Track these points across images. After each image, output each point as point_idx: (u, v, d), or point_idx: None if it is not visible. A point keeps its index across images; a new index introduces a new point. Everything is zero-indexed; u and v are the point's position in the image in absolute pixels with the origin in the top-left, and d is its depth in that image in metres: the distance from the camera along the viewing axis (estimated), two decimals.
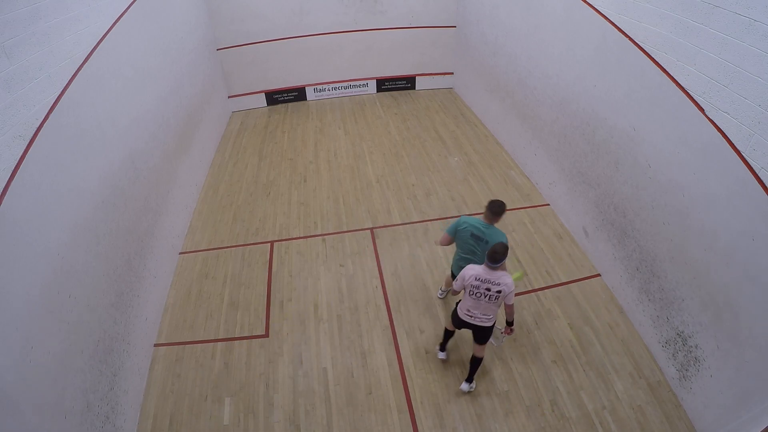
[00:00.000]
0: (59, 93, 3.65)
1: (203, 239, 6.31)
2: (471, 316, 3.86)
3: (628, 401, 4.15)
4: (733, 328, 3.50)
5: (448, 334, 4.42)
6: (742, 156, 3.33)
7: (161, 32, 6.18)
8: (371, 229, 6.35)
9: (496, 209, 3.98)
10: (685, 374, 4.07)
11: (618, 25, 4.64)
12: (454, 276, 4.41)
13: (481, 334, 3.98)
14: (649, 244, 4.51)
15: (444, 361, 4.53)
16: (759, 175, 3.20)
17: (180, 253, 6.06)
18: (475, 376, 4.23)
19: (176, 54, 6.68)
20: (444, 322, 4.94)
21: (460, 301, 4.00)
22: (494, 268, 3.59)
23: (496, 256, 3.52)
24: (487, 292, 3.65)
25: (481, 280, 3.63)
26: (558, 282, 5.38)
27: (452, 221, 4.36)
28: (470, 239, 4.08)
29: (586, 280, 5.40)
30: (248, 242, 6.20)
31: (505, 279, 3.62)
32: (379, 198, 6.97)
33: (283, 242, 6.18)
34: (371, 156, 8.08)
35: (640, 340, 4.69)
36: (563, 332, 4.79)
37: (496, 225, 4.06)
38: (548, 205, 6.65)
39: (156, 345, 4.85)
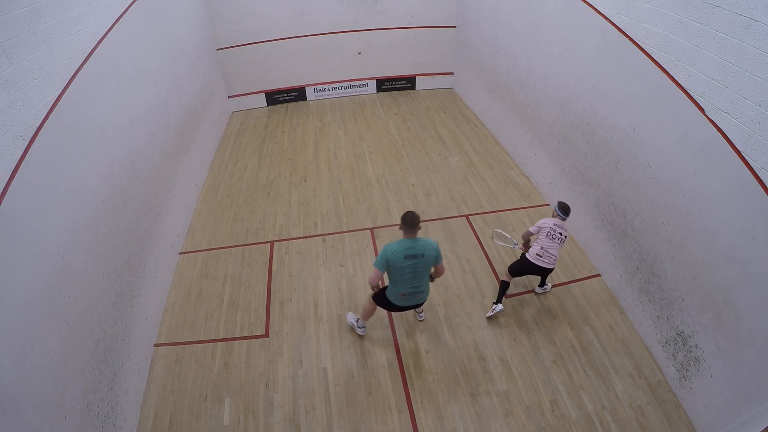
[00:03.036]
0: (59, 93, 3.64)
1: (203, 239, 6.31)
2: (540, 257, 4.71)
3: (628, 401, 4.15)
4: (733, 328, 3.50)
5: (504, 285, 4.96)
6: (742, 156, 3.33)
7: (161, 32, 6.18)
8: (371, 229, 6.34)
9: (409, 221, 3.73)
10: (685, 374, 4.07)
11: (618, 25, 4.64)
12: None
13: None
14: (649, 244, 4.51)
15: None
16: (759, 175, 3.20)
17: (180, 253, 6.06)
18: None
19: (176, 54, 6.68)
20: (445, 323, 4.95)
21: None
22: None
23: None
24: (560, 236, 4.67)
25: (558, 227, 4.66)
26: (558, 282, 5.38)
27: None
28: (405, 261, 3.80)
29: (586, 280, 5.40)
30: (248, 242, 6.20)
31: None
32: (379, 198, 6.97)
33: (283, 242, 6.18)
34: (371, 156, 8.08)
35: (640, 340, 4.69)
36: (563, 332, 4.79)
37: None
38: (548, 205, 6.65)
39: (156, 345, 4.85)
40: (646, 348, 4.62)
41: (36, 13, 3.45)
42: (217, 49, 9.10)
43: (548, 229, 4.63)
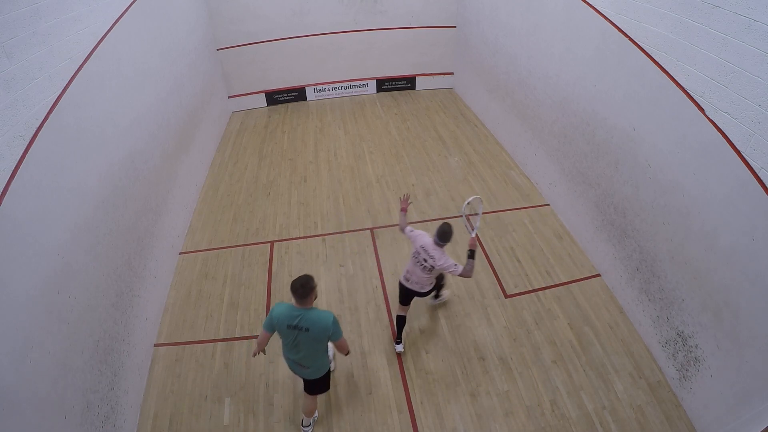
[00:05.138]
0: (59, 93, 3.65)
1: (203, 239, 6.31)
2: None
3: (628, 401, 4.15)
4: (733, 328, 3.50)
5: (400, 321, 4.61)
6: (742, 156, 3.33)
7: (161, 32, 6.18)
8: (371, 229, 6.34)
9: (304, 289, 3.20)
10: (685, 374, 4.07)
11: (618, 25, 4.64)
12: None
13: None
14: (649, 244, 4.51)
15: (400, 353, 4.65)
16: (759, 175, 3.20)
17: (180, 253, 6.06)
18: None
19: (176, 54, 6.68)
20: (445, 323, 4.94)
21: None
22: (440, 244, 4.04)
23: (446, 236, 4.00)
24: (424, 262, 4.11)
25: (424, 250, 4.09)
26: (558, 282, 5.38)
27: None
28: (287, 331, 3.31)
29: (586, 280, 5.40)
30: (248, 242, 6.20)
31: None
32: (379, 198, 6.97)
33: (283, 242, 6.18)
34: (371, 156, 8.08)
35: (640, 340, 4.69)
36: (563, 332, 4.79)
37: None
38: (548, 205, 6.65)
39: (156, 345, 4.85)
40: (646, 348, 4.62)
41: (36, 13, 3.45)
42: (217, 49, 9.10)
43: (414, 251, 4.14)
